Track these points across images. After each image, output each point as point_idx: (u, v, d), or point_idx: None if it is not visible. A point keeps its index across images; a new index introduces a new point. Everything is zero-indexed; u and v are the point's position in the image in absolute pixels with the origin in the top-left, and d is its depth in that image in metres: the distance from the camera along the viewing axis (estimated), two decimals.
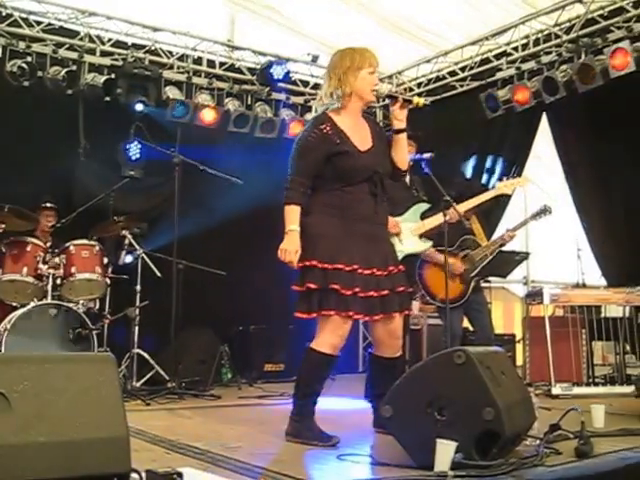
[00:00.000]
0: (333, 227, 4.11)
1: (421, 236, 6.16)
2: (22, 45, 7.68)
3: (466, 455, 3.00)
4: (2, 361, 2.52)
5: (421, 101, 4.34)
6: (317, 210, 4.15)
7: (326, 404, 6.10)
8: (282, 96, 9.40)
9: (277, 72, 8.81)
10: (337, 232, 4.09)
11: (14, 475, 2.28)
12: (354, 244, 4.09)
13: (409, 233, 6.12)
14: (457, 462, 2.95)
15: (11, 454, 2.28)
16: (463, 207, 6.10)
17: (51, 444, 2.35)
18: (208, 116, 8.77)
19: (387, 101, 4.65)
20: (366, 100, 4.29)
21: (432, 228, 6.15)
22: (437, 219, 6.05)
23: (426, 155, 6.01)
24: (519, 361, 8.00)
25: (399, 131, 4.35)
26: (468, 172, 9.25)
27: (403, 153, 4.39)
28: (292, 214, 4.10)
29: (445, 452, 2.95)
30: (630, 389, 6.50)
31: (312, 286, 4.01)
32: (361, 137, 4.26)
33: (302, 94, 9.67)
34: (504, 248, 6.72)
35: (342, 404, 6.24)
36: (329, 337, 4.07)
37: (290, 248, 4.03)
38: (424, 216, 6.17)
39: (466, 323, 6.84)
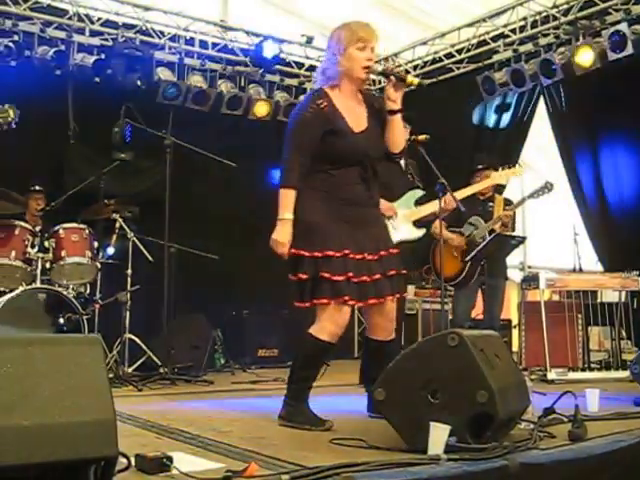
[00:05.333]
0: (321, 213, 3.97)
1: (415, 223, 6.12)
2: (9, 23, 7.56)
3: (460, 438, 2.97)
4: None
5: (415, 80, 4.09)
6: (304, 194, 3.98)
7: (320, 389, 6.09)
8: (276, 78, 9.34)
9: (268, 50, 8.70)
10: (325, 218, 3.96)
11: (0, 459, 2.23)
12: (343, 229, 3.97)
13: (403, 219, 6.06)
14: (451, 445, 2.92)
15: None
16: (459, 194, 6.05)
17: (35, 427, 2.29)
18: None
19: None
20: (357, 79, 4.10)
21: (427, 215, 6.11)
22: (432, 206, 6.00)
23: (421, 137, 5.95)
24: (515, 346, 7.98)
25: (393, 112, 4.13)
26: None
27: (397, 135, 4.20)
28: (288, 199, 3.95)
29: (438, 435, 2.92)
30: (625, 374, 6.47)
31: (303, 276, 3.92)
32: (356, 117, 4.11)
33: (297, 76, 9.61)
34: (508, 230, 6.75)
35: (336, 389, 6.19)
36: (327, 325, 3.98)
37: (281, 239, 3.93)
38: (419, 202, 6.13)
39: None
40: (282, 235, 3.93)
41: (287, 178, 3.99)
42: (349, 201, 4.01)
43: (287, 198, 3.95)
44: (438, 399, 3.08)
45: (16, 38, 7.52)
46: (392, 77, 4.09)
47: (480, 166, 6.86)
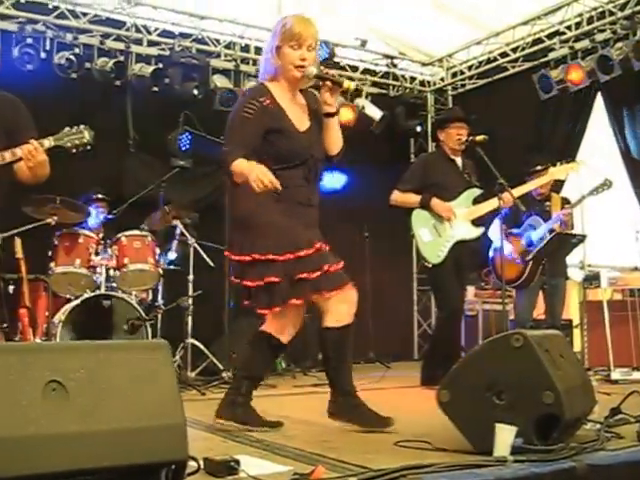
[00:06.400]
0: (281, 213, 3.82)
1: (474, 222, 6.12)
2: (69, 37, 7.76)
3: (526, 440, 2.94)
4: (57, 350, 2.52)
5: (352, 85, 3.91)
6: (256, 195, 3.70)
7: (382, 391, 6.10)
8: None
9: (319, 53, 8.73)
10: (285, 218, 3.82)
11: (74, 463, 2.29)
12: (302, 227, 3.85)
13: (462, 219, 6.07)
14: (517, 447, 2.89)
15: (70, 442, 2.29)
16: (517, 192, 6.01)
17: (109, 432, 2.35)
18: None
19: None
20: (291, 79, 3.91)
21: (485, 213, 6.11)
22: (490, 204, 5.99)
23: (479, 138, 5.94)
24: (577, 346, 7.88)
25: (330, 114, 4.00)
26: None
27: (334, 138, 4.06)
28: (242, 164, 3.66)
29: (504, 437, 2.90)
30: None
31: (275, 279, 3.75)
32: (299, 115, 3.98)
33: (351, 79, 9.58)
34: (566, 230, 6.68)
35: (398, 391, 6.20)
36: (287, 326, 4.09)
37: (258, 169, 3.59)
38: (477, 201, 6.13)
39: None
40: (256, 168, 3.60)
41: (232, 153, 3.72)
42: (297, 201, 3.89)
43: (243, 163, 3.66)
44: (503, 400, 3.06)
45: (77, 51, 7.70)
46: (328, 82, 3.90)
47: (538, 167, 6.78)
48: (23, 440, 2.26)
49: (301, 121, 3.97)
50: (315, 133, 4.01)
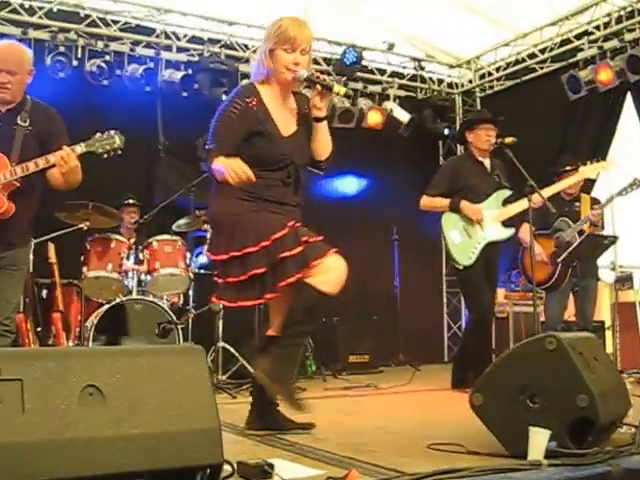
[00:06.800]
0: (252, 210, 3.76)
1: (504, 223, 6.11)
2: (100, 44, 7.87)
3: (560, 443, 2.92)
4: (94, 355, 2.55)
5: (342, 90, 3.86)
6: (235, 196, 3.75)
7: (413, 394, 6.09)
8: (359, 85, 9.36)
9: (348, 57, 8.78)
10: (255, 214, 3.76)
11: (110, 467, 2.32)
12: (273, 216, 3.77)
13: (492, 220, 6.06)
14: (551, 450, 2.87)
15: (107, 446, 2.31)
16: (546, 192, 5.99)
17: (145, 436, 2.37)
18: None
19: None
20: (282, 82, 3.85)
21: (515, 214, 6.09)
22: (520, 205, 5.97)
23: (508, 140, 5.92)
24: (608, 348, 7.83)
25: (319, 119, 3.92)
26: None
27: (323, 143, 3.97)
28: (222, 159, 3.63)
29: (538, 440, 2.88)
30: None
31: (258, 271, 3.69)
32: (285, 119, 3.91)
33: (379, 82, 9.63)
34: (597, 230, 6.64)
35: (429, 394, 6.19)
36: (275, 315, 4.02)
37: (233, 162, 3.57)
38: (507, 202, 6.12)
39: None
40: (230, 161, 3.59)
41: (212, 157, 3.67)
42: (272, 199, 3.81)
43: (219, 161, 3.63)
44: (537, 403, 3.05)
45: (107, 58, 7.79)
46: (318, 85, 3.83)
47: (568, 167, 6.74)
48: (61, 444, 2.29)
49: (287, 126, 3.91)
50: (301, 138, 3.93)
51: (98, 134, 4.23)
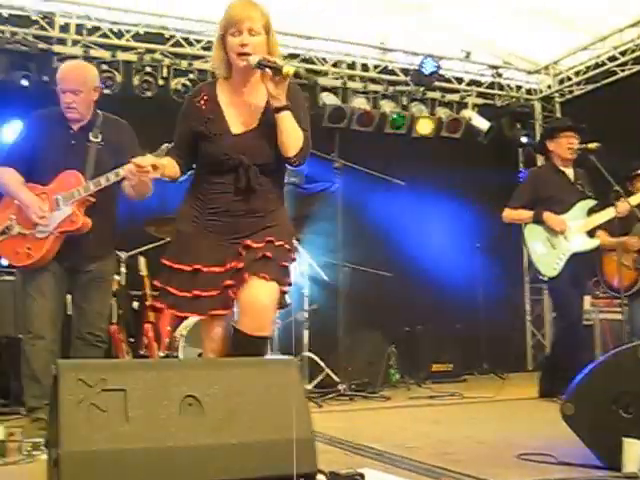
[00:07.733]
0: (192, 221, 3.46)
1: (589, 233, 6.04)
2: (184, 64, 8.04)
3: None
4: (194, 366, 2.67)
5: (291, 70, 3.25)
6: (185, 199, 3.53)
7: (500, 404, 6.05)
8: (437, 94, 9.36)
9: (427, 67, 8.79)
10: (192, 227, 3.45)
11: (209, 475, 2.41)
12: (204, 241, 3.43)
13: (576, 231, 6.00)
14: None
15: (206, 455, 2.41)
16: (634, 200, 5.89)
17: (242, 445, 2.46)
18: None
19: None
20: (239, 71, 3.43)
21: (601, 224, 6.01)
22: (607, 214, 5.89)
23: (591, 145, 5.86)
24: None
25: (278, 109, 3.36)
26: None
27: (287, 136, 3.38)
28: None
29: (633, 451, 2.85)
30: None
31: (171, 289, 3.40)
32: (242, 114, 3.48)
33: (457, 91, 9.60)
34: None
35: (515, 403, 6.16)
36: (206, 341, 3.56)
37: (160, 162, 3.37)
38: (592, 212, 6.04)
39: None
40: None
41: (170, 156, 3.54)
42: (222, 209, 3.43)
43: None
44: (631, 414, 3.02)
45: (191, 76, 7.96)
46: (268, 70, 3.29)
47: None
48: (162, 452, 2.40)
49: (241, 122, 3.47)
50: (263, 134, 3.43)
51: (165, 145, 4.13)
